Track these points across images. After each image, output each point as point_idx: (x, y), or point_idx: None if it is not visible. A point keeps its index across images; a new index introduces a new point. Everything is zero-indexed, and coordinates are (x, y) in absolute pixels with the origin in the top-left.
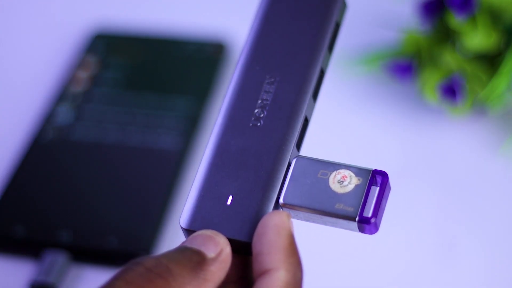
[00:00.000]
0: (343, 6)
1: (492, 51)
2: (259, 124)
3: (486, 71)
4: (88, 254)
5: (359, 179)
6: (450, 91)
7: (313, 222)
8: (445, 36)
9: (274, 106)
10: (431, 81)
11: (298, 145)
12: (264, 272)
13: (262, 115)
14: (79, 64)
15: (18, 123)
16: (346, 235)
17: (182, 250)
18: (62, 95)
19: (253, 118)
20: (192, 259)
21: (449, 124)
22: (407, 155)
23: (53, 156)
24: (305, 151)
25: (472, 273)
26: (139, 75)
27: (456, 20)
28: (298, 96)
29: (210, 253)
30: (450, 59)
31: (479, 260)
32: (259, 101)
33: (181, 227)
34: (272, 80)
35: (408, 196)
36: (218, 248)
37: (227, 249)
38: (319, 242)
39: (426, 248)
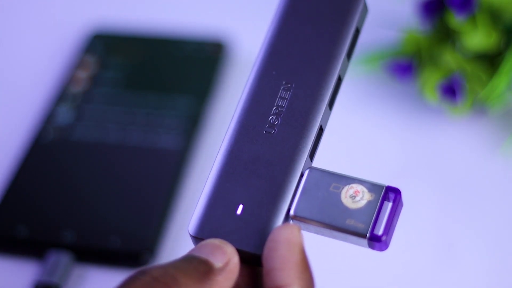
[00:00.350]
0: (365, 11)
1: (492, 50)
2: (273, 131)
3: (486, 70)
4: (91, 254)
5: (371, 195)
6: (450, 90)
7: (323, 235)
8: (445, 35)
9: (289, 114)
10: (431, 80)
11: (312, 155)
12: None
13: (276, 122)
14: (78, 64)
15: (18, 123)
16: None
17: (189, 259)
18: (62, 96)
19: (267, 125)
20: (199, 268)
21: (449, 124)
22: (407, 155)
23: (54, 156)
24: None
25: (472, 272)
26: (139, 74)
27: (456, 19)
28: (314, 105)
29: (217, 262)
30: (450, 59)
31: (480, 260)
32: (274, 108)
33: (190, 235)
34: (288, 86)
35: (407, 196)
36: (225, 258)
37: (234, 259)
38: (321, 246)
39: (426, 248)
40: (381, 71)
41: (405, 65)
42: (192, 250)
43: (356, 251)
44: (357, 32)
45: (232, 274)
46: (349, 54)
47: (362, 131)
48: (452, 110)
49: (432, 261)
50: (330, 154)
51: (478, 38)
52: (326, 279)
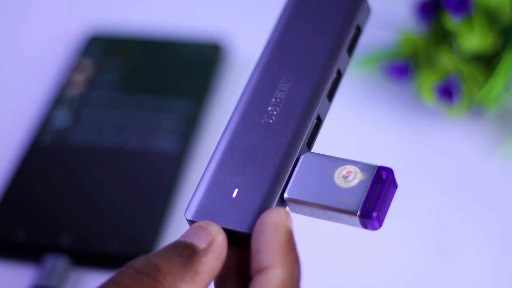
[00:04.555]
0: (367, 10)
1: (489, 52)
2: (271, 121)
3: (483, 72)
4: (89, 258)
5: (363, 175)
6: (447, 92)
7: (318, 217)
8: (441, 37)
9: (287, 104)
10: (427, 82)
11: (309, 143)
12: (261, 270)
13: (275, 113)
14: (76, 67)
15: (15, 127)
16: (347, 233)
17: (173, 245)
18: (59, 99)
19: (265, 115)
20: (182, 253)
21: (446, 125)
22: (404, 157)
23: (51, 160)
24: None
25: (470, 272)
26: (136, 77)
27: (452, 21)
28: (311, 95)
29: (201, 244)
30: (446, 60)
31: (478, 260)
32: (273, 99)
33: (186, 219)
34: (288, 79)
35: (405, 197)
36: (209, 238)
37: (219, 238)
38: (321, 240)
39: (424, 248)
40: (378, 72)
41: (402, 66)
42: (181, 236)
43: (356, 250)
44: (359, 30)
45: (218, 253)
46: (349, 50)
47: (360, 133)
48: (449, 112)
49: (429, 261)
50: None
51: (474, 39)
52: (327, 279)
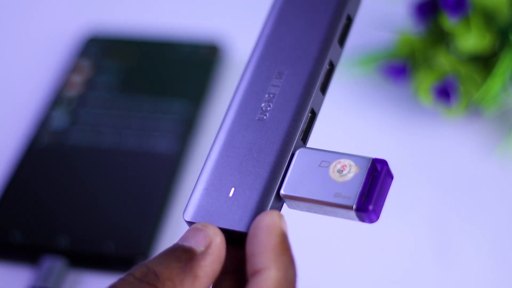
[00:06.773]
0: (357, 0)
1: (486, 52)
2: (264, 117)
3: (480, 72)
4: (86, 259)
5: (358, 168)
6: (444, 93)
7: (315, 212)
8: (439, 37)
9: (280, 99)
10: (425, 83)
11: (304, 138)
12: (256, 272)
13: (268, 109)
14: (73, 68)
15: (13, 128)
16: (345, 231)
17: (172, 250)
18: (57, 100)
19: (259, 112)
20: (181, 258)
21: (443, 126)
22: (401, 157)
23: (49, 161)
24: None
25: (467, 272)
26: (134, 78)
27: (449, 21)
28: (304, 88)
29: (199, 247)
30: (444, 61)
31: (475, 259)
32: (266, 95)
33: (185, 220)
34: (281, 74)
35: (403, 197)
36: (207, 240)
37: (217, 240)
38: (318, 237)
39: (422, 248)
40: (375, 73)
41: (399, 67)
42: (179, 239)
43: (354, 248)
44: (349, 19)
45: (216, 256)
46: (341, 41)
47: (357, 133)
48: (447, 112)
49: (426, 262)
50: None
51: (472, 40)
52: (325, 278)
